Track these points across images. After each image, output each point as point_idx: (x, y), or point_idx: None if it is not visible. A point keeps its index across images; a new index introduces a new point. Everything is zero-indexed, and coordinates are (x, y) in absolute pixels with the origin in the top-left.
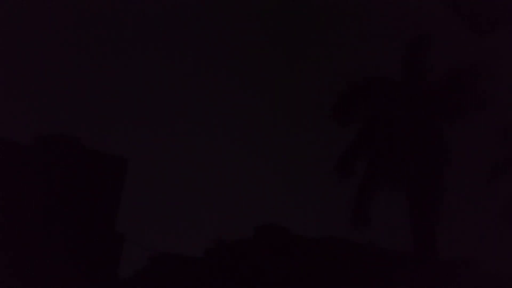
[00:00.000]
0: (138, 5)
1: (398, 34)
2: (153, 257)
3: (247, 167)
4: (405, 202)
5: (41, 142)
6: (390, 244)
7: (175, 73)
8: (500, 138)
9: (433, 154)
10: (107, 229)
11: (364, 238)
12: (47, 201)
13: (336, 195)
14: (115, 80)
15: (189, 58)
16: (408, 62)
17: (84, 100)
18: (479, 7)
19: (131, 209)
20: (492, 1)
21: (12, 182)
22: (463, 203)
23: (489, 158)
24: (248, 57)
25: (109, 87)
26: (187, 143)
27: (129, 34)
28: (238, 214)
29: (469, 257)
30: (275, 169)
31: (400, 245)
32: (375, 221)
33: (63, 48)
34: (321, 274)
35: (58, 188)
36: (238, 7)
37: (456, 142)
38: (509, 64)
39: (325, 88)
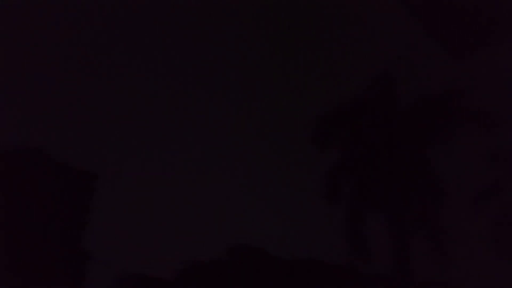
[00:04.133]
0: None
1: (377, 55)
2: (120, 278)
3: (221, 185)
4: (385, 225)
5: (3, 154)
6: (370, 267)
7: (148, 86)
8: (485, 162)
9: (416, 178)
10: (71, 246)
11: (343, 260)
12: (8, 215)
13: (316, 216)
14: (85, 91)
15: (160, 73)
16: (386, 85)
17: (51, 110)
18: (457, 31)
19: (98, 226)
20: (470, 25)
21: None
22: (447, 227)
23: (474, 182)
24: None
25: (80, 98)
26: (160, 160)
27: (95, 40)
28: (211, 234)
29: (448, 281)
30: (249, 187)
31: (380, 269)
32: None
33: (29, 55)
34: None
35: (21, 203)
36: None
37: (441, 166)
38: (488, 88)
39: (303, 110)
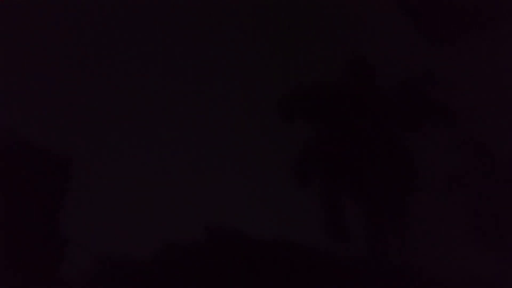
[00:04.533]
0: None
1: (354, 39)
2: (98, 260)
3: (198, 164)
4: (360, 208)
5: None
6: (346, 249)
7: (124, 69)
8: (457, 151)
9: (389, 161)
10: (48, 230)
11: (320, 242)
12: None
13: (292, 196)
14: (60, 73)
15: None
16: (362, 67)
17: (24, 92)
18: (439, 17)
19: (75, 210)
20: (451, 12)
21: None
22: (421, 212)
23: (448, 169)
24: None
25: (54, 81)
26: (136, 141)
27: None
28: (188, 215)
29: (421, 265)
30: (226, 167)
31: (355, 251)
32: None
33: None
34: (273, 278)
35: None
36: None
37: (416, 151)
38: (467, 75)
39: (278, 90)
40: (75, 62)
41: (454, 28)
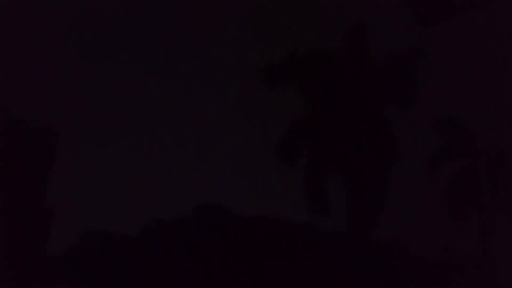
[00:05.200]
0: None
1: (340, 18)
2: (84, 234)
3: (185, 142)
4: (344, 184)
5: None
6: (330, 226)
7: (106, 47)
8: (436, 129)
9: (373, 138)
10: (35, 204)
11: (304, 219)
12: None
13: (277, 174)
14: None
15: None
16: (349, 45)
17: (12, 67)
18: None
19: (61, 183)
20: None
21: None
22: (403, 189)
23: (430, 146)
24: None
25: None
26: (123, 115)
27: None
28: (176, 192)
29: (403, 241)
30: (213, 145)
31: (338, 227)
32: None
33: None
34: (259, 255)
35: None
36: None
37: (399, 128)
38: (450, 56)
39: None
40: (62, 39)
41: (446, 9)
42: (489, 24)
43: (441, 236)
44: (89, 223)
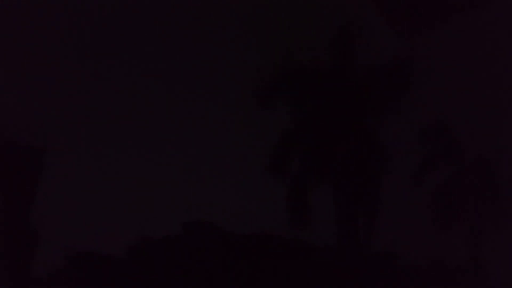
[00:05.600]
0: None
1: (325, 30)
2: (71, 256)
3: (173, 160)
4: (332, 197)
5: None
6: (320, 240)
7: (98, 59)
8: (423, 137)
9: (362, 149)
10: (19, 226)
11: (295, 234)
12: None
13: (266, 190)
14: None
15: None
16: (336, 58)
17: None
18: (406, 10)
19: (47, 204)
20: (417, 5)
21: None
22: (392, 199)
23: (417, 156)
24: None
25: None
26: (111, 135)
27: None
28: (164, 210)
29: (393, 251)
30: (202, 162)
31: (328, 241)
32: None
33: None
34: (251, 271)
35: None
36: None
37: (387, 139)
38: (434, 64)
39: (251, 80)
40: (50, 55)
41: (431, 18)
42: (474, 32)
43: (430, 245)
44: (75, 243)
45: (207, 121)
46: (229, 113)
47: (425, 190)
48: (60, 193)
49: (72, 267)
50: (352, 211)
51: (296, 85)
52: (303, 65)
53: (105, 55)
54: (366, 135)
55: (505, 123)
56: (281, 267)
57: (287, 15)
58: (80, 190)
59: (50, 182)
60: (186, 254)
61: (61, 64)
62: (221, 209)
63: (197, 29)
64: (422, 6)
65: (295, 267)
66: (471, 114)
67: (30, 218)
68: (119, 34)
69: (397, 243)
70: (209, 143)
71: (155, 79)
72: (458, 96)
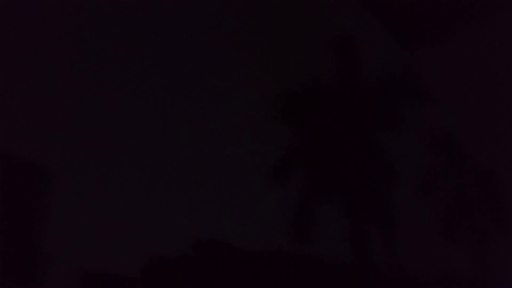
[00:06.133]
0: None
1: (328, 45)
2: (81, 278)
3: (182, 178)
4: (343, 212)
5: None
6: (332, 256)
7: (101, 77)
8: (430, 150)
9: (370, 163)
10: (30, 247)
11: (309, 250)
12: None
13: (276, 206)
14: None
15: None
16: (341, 71)
17: (7, 106)
18: (409, 23)
19: (58, 225)
20: (420, 18)
21: None
22: (401, 213)
23: (424, 169)
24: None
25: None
26: (120, 155)
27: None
28: (174, 229)
29: (406, 266)
30: (212, 180)
31: (341, 257)
32: (317, 233)
33: None
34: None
35: None
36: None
37: (394, 152)
38: (440, 76)
39: (255, 98)
40: (56, 74)
41: (434, 32)
42: (477, 45)
43: (439, 258)
44: (87, 264)
45: (214, 140)
46: (237, 131)
47: (433, 202)
48: (71, 213)
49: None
50: (363, 225)
51: (302, 100)
52: (308, 80)
53: (119, 86)
54: (373, 148)
55: None
56: (294, 285)
57: (290, 29)
58: (91, 210)
59: (60, 202)
60: (198, 272)
61: (68, 82)
62: (233, 227)
63: (204, 48)
64: (427, 17)
65: (308, 284)
66: (478, 125)
67: (41, 239)
68: (132, 71)
69: (406, 256)
70: (217, 162)
71: (163, 102)
72: (465, 107)
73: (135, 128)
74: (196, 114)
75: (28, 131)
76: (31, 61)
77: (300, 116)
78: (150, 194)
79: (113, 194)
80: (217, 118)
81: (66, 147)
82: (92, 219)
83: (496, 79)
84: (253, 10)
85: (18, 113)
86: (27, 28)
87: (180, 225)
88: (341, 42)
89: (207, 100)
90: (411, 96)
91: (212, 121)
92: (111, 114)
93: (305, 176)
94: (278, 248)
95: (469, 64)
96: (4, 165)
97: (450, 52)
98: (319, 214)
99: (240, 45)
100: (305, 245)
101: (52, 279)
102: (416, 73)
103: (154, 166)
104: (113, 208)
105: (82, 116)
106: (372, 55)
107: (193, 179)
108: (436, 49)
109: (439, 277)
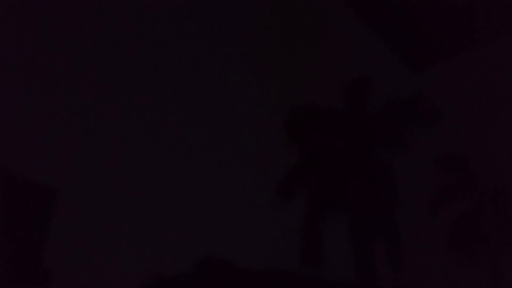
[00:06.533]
0: None
1: (336, 67)
2: None
3: (185, 197)
4: (347, 230)
5: None
6: (336, 274)
7: (108, 97)
8: (437, 168)
9: (375, 183)
10: (32, 265)
11: (309, 269)
12: None
13: (277, 224)
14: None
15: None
16: (348, 95)
17: (9, 122)
18: (414, 46)
19: (60, 243)
20: (425, 40)
21: None
22: (407, 232)
23: (431, 187)
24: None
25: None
26: (121, 175)
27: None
28: (175, 248)
29: (412, 285)
30: (211, 199)
31: (344, 275)
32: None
33: None
34: None
35: None
36: None
37: (400, 172)
38: (448, 97)
39: (261, 116)
40: (59, 90)
41: (437, 55)
42: (484, 65)
43: (449, 279)
44: (88, 283)
45: (216, 155)
46: (242, 148)
47: (442, 223)
48: (72, 232)
49: None
50: (369, 244)
51: (308, 120)
52: (314, 99)
53: (123, 98)
54: (378, 166)
55: None
56: None
57: (298, 50)
58: (92, 229)
59: (62, 221)
60: None
61: (72, 99)
62: (233, 245)
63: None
64: (433, 40)
65: None
66: (486, 146)
67: (43, 258)
68: (138, 83)
69: (415, 277)
70: (218, 179)
71: (164, 112)
72: (472, 127)
73: (137, 150)
74: (200, 132)
75: (28, 146)
76: (30, 61)
77: (306, 135)
78: (152, 213)
79: (113, 212)
80: (223, 135)
81: (67, 166)
82: (93, 238)
83: (508, 100)
84: (261, 27)
85: (16, 125)
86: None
87: (182, 244)
88: (349, 70)
89: (213, 118)
90: (418, 117)
91: (216, 137)
92: (110, 133)
93: (309, 195)
94: (280, 268)
95: (479, 84)
96: (4, 183)
97: (457, 72)
98: (324, 233)
99: (248, 65)
100: (314, 267)
101: None
102: (423, 93)
103: (156, 184)
104: (114, 225)
105: (83, 137)
106: (379, 76)
107: (196, 198)
108: (443, 70)
109: None
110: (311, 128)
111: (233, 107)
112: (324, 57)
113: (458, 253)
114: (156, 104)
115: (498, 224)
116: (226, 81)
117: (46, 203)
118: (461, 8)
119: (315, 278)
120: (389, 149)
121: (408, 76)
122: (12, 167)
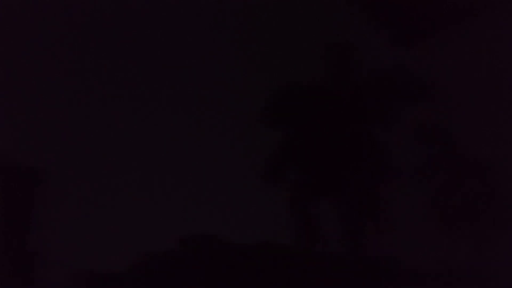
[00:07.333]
0: None
1: (320, 40)
2: (71, 276)
3: (172, 176)
4: (333, 204)
5: None
6: (320, 246)
7: (95, 77)
8: (426, 145)
9: (363, 158)
10: (18, 247)
11: (298, 241)
12: None
13: (264, 197)
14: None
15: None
16: (332, 68)
17: None
18: (402, 19)
19: (44, 224)
20: (414, 13)
21: None
22: (393, 203)
23: (413, 159)
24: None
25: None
26: (104, 154)
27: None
28: (164, 224)
29: (396, 256)
30: (195, 174)
31: (333, 247)
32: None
33: None
34: (256, 282)
35: None
36: None
37: (388, 146)
38: (433, 69)
39: (248, 92)
40: (47, 74)
41: (426, 27)
42: (475, 37)
43: (434, 249)
44: (75, 263)
45: (202, 133)
46: (227, 125)
47: (426, 192)
48: (58, 212)
49: (74, 287)
50: (355, 215)
51: (293, 98)
52: (299, 78)
53: (122, 92)
54: (366, 142)
55: (506, 126)
56: (285, 275)
57: (280, 28)
58: (76, 209)
59: (48, 202)
60: (188, 267)
61: (62, 82)
62: (220, 220)
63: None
64: (421, 12)
65: (299, 274)
66: (471, 117)
67: (29, 239)
68: (139, 84)
69: (399, 246)
70: (204, 155)
71: (154, 103)
72: (459, 99)
73: (124, 126)
74: (186, 114)
75: (20, 132)
76: (29, 61)
77: (291, 113)
78: (139, 192)
79: (101, 191)
80: (208, 115)
81: (54, 146)
82: (76, 216)
83: (494, 72)
84: (244, 10)
85: (11, 114)
86: (26, 30)
87: (169, 221)
88: (334, 43)
89: (198, 100)
90: (405, 92)
91: (202, 119)
92: (101, 116)
93: (297, 174)
94: (268, 241)
95: (465, 56)
96: None
97: (446, 47)
98: (314, 211)
99: (232, 46)
100: (309, 245)
101: (41, 279)
102: (410, 69)
103: (142, 163)
104: (97, 204)
105: (70, 117)
106: (364, 51)
107: (183, 177)
108: (431, 45)
109: (437, 269)
110: (295, 105)
111: (217, 87)
112: (307, 33)
113: (440, 224)
114: (136, 80)
115: (481, 196)
116: (206, 61)
117: (28, 185)
118: None
119: (306, 251)
120: (374, 123)
121: (394, 50)
122: None
